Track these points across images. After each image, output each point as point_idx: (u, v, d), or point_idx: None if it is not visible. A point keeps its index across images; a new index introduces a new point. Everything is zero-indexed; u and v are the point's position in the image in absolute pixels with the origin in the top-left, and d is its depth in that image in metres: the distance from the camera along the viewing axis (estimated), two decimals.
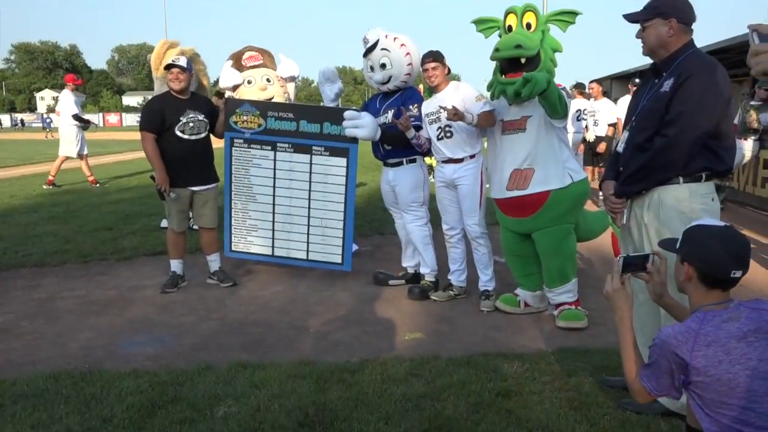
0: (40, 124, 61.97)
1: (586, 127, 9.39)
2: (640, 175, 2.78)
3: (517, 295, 4.44)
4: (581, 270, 4.49)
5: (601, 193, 3.21)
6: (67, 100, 10.33)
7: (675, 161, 2.67)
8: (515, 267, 4.44)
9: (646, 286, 2.14)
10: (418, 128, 4.61)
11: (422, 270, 4.98)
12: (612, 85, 19.39)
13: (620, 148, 3.01)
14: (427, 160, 5.56)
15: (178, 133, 4.92)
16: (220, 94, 5.78)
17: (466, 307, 4.59)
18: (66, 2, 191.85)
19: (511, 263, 4.45)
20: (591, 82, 9.73)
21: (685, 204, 2.69)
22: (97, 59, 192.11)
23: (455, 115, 4.11)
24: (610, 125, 9.17)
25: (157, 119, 4.89)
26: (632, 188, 2.83)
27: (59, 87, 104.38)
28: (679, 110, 2.63)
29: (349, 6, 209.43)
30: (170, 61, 4.91)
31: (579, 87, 11.48)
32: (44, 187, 11.12)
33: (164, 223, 7.34)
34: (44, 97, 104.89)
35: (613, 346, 3.69)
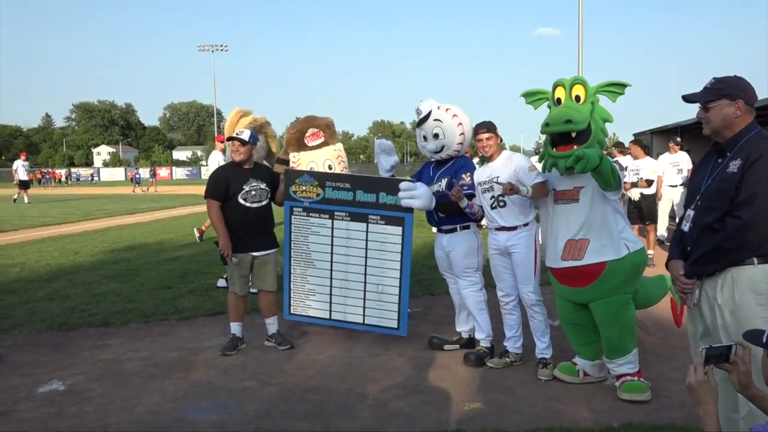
0: (90, 178, 64.13)
1: (628, 184, 9.32)
2: (712, 256, 2.74)
3: (576, 363, 4.36)
4: (640, 338, 4.38)
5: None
6: (217, 159, 10.30)
7: (749, 243, 2.64)
8: (572, 336, 4.37)
9: (730, 377, 2.08)
10: (471, 196, 4.65)
11: (477, 335, 4.94)
12: (653, 139, 19.24)
13: (685, 227, 2.97)
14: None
15: (241, 201, 5.07)
16: (282, 161, 5.94)
17: (523, 375, 4.52)
18: (122, 62, 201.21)
19: (569, 332, 4.39)
20: (631, 141, 9.69)
21: (762, 285, 2.64)
22: (150, 116, 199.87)
23: (510, 190, 4.15)
24: (646, 180, 9.12)
25: (222, 188, 5.06)
26: (705, 269, 2.79)
27: (114, 143, 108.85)
28: (752, 192, 2.61)
29: (387, 67, 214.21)
30: (234, 134, 5.10)
31: (618, 146, 11.44)
32: (197, 236, 11.17)
33: (221, 283, 7.49)
34: (100, 153, 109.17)
35: (680, 422, 3.58)
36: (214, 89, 66.45)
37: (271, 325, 5.36)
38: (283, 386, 4.40)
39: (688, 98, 2.89)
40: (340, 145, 5.99)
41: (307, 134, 5.79)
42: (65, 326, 6.02)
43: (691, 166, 11.13)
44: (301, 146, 5.80)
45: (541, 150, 4.35)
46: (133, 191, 35.18)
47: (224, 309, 6.26)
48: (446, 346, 5.13)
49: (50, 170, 61.72)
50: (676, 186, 10.54)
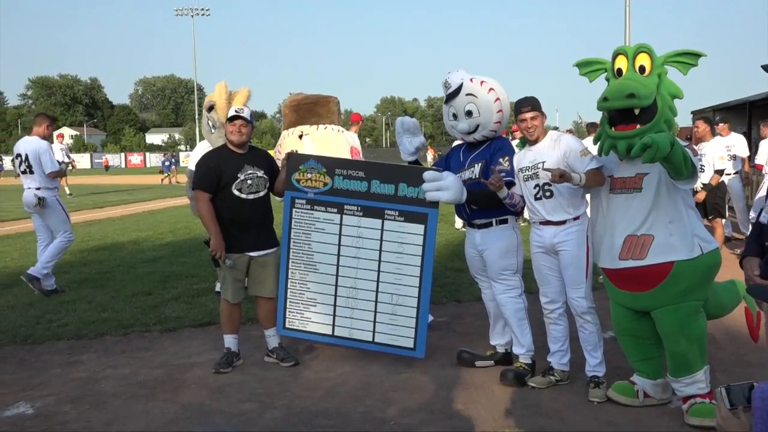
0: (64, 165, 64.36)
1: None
2: None
3: (634, 383, 4.34)
4: (711, 353, 4.34)
5: None
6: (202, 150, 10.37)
7: None
8: (630, 350, 4.35)
9: None
10: (510, 185, 4.62)
11: (515, 350, 4.93)
12: (715, 117, 19.10)
13: (765, 219, 2.94)
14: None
15: (236, 192, 5.07)
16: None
17: (571, 396, 4.50)
18: (86, 33, 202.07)
19: (626, 345, 4.37)
20: (699, 119, 9.58)
21: None
22: (119, 93, 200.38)
23: (560, 177, 4.12)
24: (715, 172, 8.98)
25: (213, 177, 5.05)
26: None
27: (77, 124, 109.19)
28: None
29: (396, 35, 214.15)
30: (234, 112, 5.08)
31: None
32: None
33: (219, 287, 7.49)
34: (63, 135, 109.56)
35: None
36: (194, 61, 66.41)
37: (272, 337, 5.36)
38: (288, 409, 4.41)
39: None
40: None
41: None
42: (30, 339, 6.06)
43: (747, 152, 10.92)
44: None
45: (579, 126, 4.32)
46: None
47: (215, 319, 6.28)
48: (478, 362, 5.12)
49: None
50: (731, 174, 10.07)
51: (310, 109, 6.15)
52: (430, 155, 40.92)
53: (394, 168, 5.18)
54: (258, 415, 4.32)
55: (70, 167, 27.90)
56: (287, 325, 5.34)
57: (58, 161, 8.27)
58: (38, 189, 7.84)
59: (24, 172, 7.93)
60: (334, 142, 6.01)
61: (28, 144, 7.97)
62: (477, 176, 4.74)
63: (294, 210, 5.25)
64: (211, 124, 7.12)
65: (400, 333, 5.05)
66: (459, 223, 12.31)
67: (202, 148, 7.58)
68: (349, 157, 5.89)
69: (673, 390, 4.22)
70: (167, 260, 9.92)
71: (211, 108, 7.07)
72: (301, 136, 6.03)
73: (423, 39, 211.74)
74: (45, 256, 7.85)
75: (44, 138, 8.01)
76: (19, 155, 7.92)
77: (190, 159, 7.83)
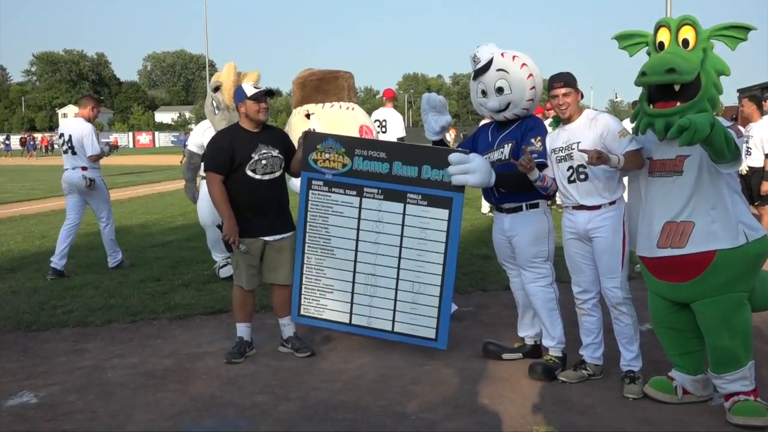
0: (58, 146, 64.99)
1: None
2: None
3: (673, 378, 4.31)
4: (756, 347, 4.29)
5: None
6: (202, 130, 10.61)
7: None
8: (669, 343, 4.31)
9: None
10: (542, 166, 4.59)
11: (545, 342, 4.91)
12: (763, 95, 18.83)
13: None
14: None
15: (249, 173, 5.08)
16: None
17: (604, 391, 4.48)
18: (93, 6, 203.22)
19: (664, 338, 4.34)
20: (745, 98, 9.41)
21: None
22: (127, 70, 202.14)
23: (598, 159, 4.08)
24: (766, 156, 8.80)
25: (225, 158, 5.06)
26: None
27: None
28: None
29: (418, 8, 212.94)
30: (255, 89, 5.07)
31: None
32: None
33: (224, 272, 7.55)
34: (67, 114, 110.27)
35: None
36: (205, 35, 66.52)
37: (288, 326, 5.39)
38: (303, 402, 4.43)
39: None
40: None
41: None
42: (35, 326, 6.14)
43: None
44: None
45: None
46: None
47: (227, 306, 6.33)
48: (506, 355, 5.12)
49: (32, 135, 62.03)
50: None
51: (316, 86, 6.14)
52: (451, 135, 40.84)
53: (417, 149, 5.17)
54: (271, 408, 4.35)
55: (109, 148, 28.29)
56: (302, 312, 5.37)
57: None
58: (84, 169, 8.26)
59: (66, 152, 8.35)
60: (339, 121, 5.99)
61: (72, 125, 8.41)
62: (506, 157, 4.71)
63: (311, 192, 5.25)
64: (215, 104, 7.15)
65: (421, 323, 5.06)
66: (486, 207, 12.28)
67: (202, 128, 7.62)
68: (356, 135, 5.88)
69: (714, 387, 4.18)
70: (177, 245, 10.00)
71: (217, 88, 7.09)
72: (308, 116, 6.03)
73: (448, 11, 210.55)
74: (107, 245, 8.46)
75: (89, 120, 8.43)
76: (62, 135, 8.40)
77: (190, 139, 7.89)
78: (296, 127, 5.91)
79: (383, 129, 8.91)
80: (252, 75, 6.45)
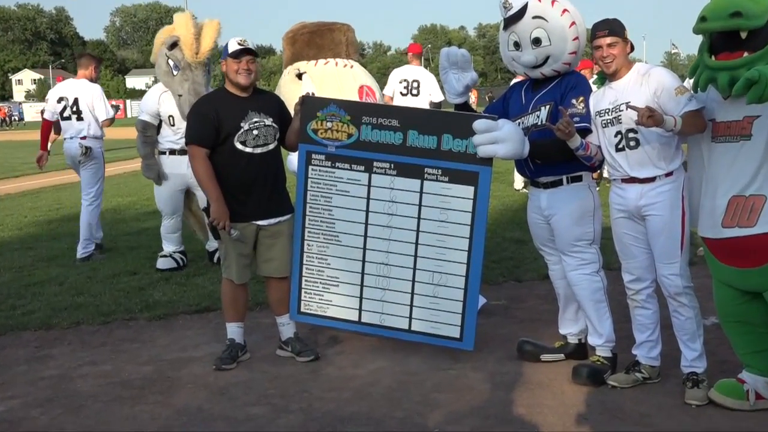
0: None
1: None
2: None
3: (744, 381, 4.31)
4: None
5: None
6: (157, 94, 10.94)
7: None
8: (738, 339, 4.32)
9: None
10: (586, 132, 4.58)
11: (591, 340, 4.92)
12: None
13: None
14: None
15: (238, 146, 5.08)
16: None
17: (662, 398, 4.49)
18: None
19: (732, 333, 4.35)
20: None
21: None
22: (91, 27, 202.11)
23: (650, 118, 4.06)
24: None
25: (210, 129, 5.06)
26: None
27: (41, 66, 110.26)
28: None
29: None
30: (237, 45, 5.07)
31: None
32: None
33: (162, 263, 7.79)
34: (22, 80, 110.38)
35: None
36: None
37: (287, 326, 5.42)
38: (306, 414, 4.46)
39: None
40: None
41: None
42: None
43: None
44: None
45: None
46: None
47: (215, 303, 6.38)
48: (544, 356, 5.13)
49: None
50: None
51: (308, 41, 6.13)
52: (472, 97, 40.78)
53: (436, 115, 5.16)
54: (269, 421, 4.38)
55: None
56: (303, 309, 5.40)
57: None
58: (83, 138, 8.44)
59: (67, 118, 8.52)
60: (335, 80, 6.00)
61: (77, 87, 8.59)
62: (543, 122, 4.69)
63: (310, 168, 5.26)
64: (172, 64, 7.16)
65: (443, 320, 5.08)
66: (519, 182, 12.26)
67: (157, 92, 7.63)
68: (355, 98, 5.88)
69: None
70: (155, 232, 9.96)
71: (174, 45, 7.10)
72: (299, 76, 6.03)
73: None
74: (82, 229, 8.59)
75: (92, 81, 8.65)
76: (63, 98, 8.51)
77: (142, 106, 7.93)
78: (286, 89, 5.92)
79: (414, 91, 8.90)
80: (211, 25, 6.46)
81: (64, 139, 8.66)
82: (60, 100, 8.53)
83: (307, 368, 5.19)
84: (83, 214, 8.58)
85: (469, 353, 5.13)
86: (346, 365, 5.25)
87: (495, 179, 12.31)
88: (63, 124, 8.61)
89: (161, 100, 7.52)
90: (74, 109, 8.42)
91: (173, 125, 7.57)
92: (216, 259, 7.83)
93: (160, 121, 7.65)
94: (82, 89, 8.52)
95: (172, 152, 7.68)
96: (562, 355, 5.12)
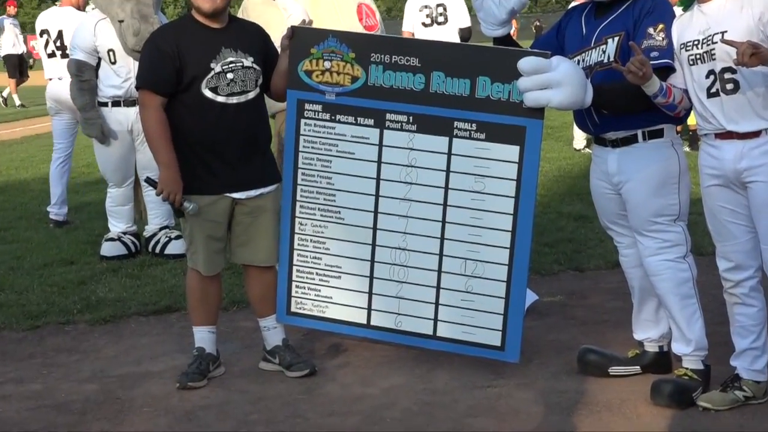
0: None
1: None
2: None
3: None
4: None
5: None
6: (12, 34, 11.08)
7: None
8: None
9: None
10: (668, 71, 4.57)
11: (677, 348, 4.91)
12: None
13: None
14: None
15: (207, 94, 5.07)
16: None
17: None
18: None
19: None
20: None
21: None
22: None
23: (754, 56, 4.04)
24: None
25: (169, 70, 5.05)
26: None
27: None
28: None
29: None
30: None
31: None
32: None
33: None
34: (15, 3, 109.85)
35: None
36: None
37: (273, 330, 5.43)
38: None
39: None
40: None
41: None
42: None
43: None
44: None
45: None
46: None
47: (178, 302, 6.44)
48: (614, 369, 5.13)
49: None
50: None
51: None
52: (512, 27, 40.55)
53: (469, 51, 5.14)
54: None
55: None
56: (294, 309, 5.42)
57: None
58: None
59: (51, 55, 8.82)
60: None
61: (60, 18, 8.87)
62: (611, 59, 4.67)
63: (303, 122, 5.26)
64: None
65: (479, 322, 5.08)
66: (580, 139, 12.23)
67: (92, 21, 7.63)
68: (355, 23, 5.86)
69: None
70: (99, 208, 9.94)
71: None
72: None
73: None
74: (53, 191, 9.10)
75: (80, 9, 8.88)
76: (45, 32, 8.81)
77: (73, 41, 7.90)
78: (256, 13, 5.85)
79: (440, 19, 8.87)
80: None
81: (49, 80, 8.92)
82: (42, 33, 8.74)
83: (300, 386, 5.20)
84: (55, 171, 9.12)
85: (513, 366, 5.14)
86: (351, 382, 5.26)
87: (547, 136, 12.31)
88: (47, 62, 8.84)
89: (97, 31, 7.50)
90: (58, 44, 8.57)
91: (114, 62, 7.59)
92: (152, 247, 7.94)
93: (100, 59, 7.65)
94: (66, 19, 8.63)
95: (117, 102, 7.71)
96: (638, 367, 5.12)
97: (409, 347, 5.35)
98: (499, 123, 4.92)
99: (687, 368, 4.83)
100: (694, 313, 4.84)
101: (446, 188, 5.06)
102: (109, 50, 7.54)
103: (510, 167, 4.93)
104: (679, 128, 4.92)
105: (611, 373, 5.12)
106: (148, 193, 7.58)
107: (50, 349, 5.97)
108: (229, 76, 5.09)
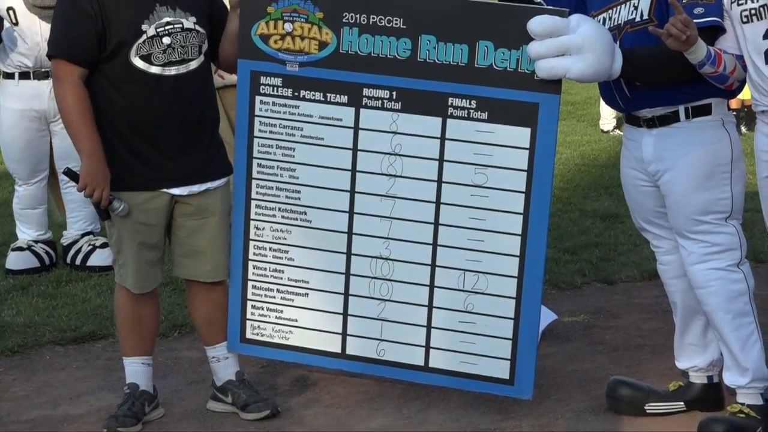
0: None
1: None
2: None
3: None
4: None
5: None
6: None
7: None
8: None
9: None
10: (717, 31, 4.60)
11: (730, 379, 4.94)
12: None
13: None
14: None
15: (138, 63, 5.06)
16: None
17: None
18: None
19: None
20: None
21: None
22: None
23: None
24: None
25: (90, 34, 5.02)
26: None
27: None
28: None
29: None
30: None
31: None
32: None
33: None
34: None
35: None
36: None
37: (224, 362, 5.43)
38: None
39: None
40: None
41: None
42: None
43: None
44: None
45: None
46: None
47: (105, 327, 6.42)
48: (651, 405, 5.15)
49: None
50: None
51: None
52: None
53: (467, 9, 5.12)
54: None
55: None
56: (250, 335, 5.42)
57: None
58: None
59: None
60: None
61: None
62: (645, 17, 4.70)
63: (259, 100, 5.26)
64: None
65: (483, 350, 5.09)
66: (608, 119, 12.28)
67: None
68: None
69: None
70: (5, 210, 10.01)
71: None
72: None
73: None
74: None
75: None
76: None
77: None
78: None
79: None
80: None
81: None
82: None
83: (258, 431, 5.23)
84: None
85: (526, 404, 5.17)
86: (322, 426, 5.27)
87: (567, 115, 12.37)
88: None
89: None
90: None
91: (17, 23, 7.58)
92: (71, 258, 7.91)
93: (1, 20, 7.55)
94: None
95: (26, 74, 7.69)
96: (681, 403, 5.14)
97: (395, 381, 5.35)
98: (505, 99, 4.92)
99: (743, 404, 4.86)
100: (751, 334, 4.86)
101: (439, 182, 5.07)
102: (9, 8, 7.52)
103: (519, 155, 4.93)
104: (734, 103, 4.91)
105: (648, 411, 5.14)
106: (69, 191, 7.53)
107: None
108: (166, 40, 5.08)
